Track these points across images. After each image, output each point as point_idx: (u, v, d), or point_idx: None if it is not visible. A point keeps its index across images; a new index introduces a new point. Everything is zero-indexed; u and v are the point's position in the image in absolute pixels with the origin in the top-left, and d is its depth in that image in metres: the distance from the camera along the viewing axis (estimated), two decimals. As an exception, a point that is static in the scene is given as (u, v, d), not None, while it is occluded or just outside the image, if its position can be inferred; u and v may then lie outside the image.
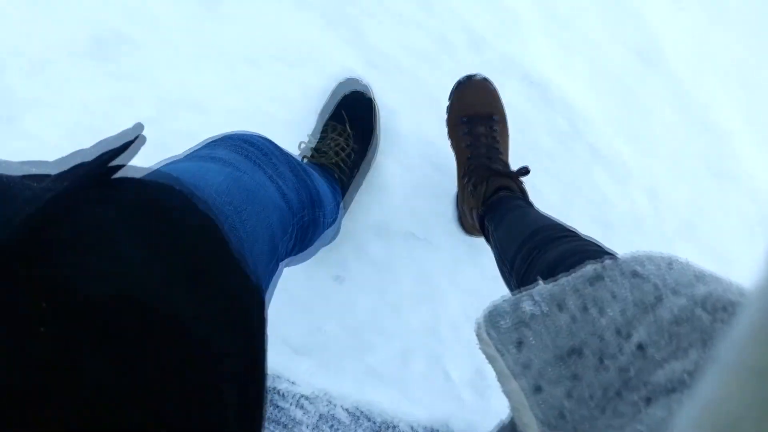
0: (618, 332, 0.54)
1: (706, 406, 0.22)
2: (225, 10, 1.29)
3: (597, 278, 0.58)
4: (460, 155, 1.18)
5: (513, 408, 0.59)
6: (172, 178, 0.55)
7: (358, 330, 1.29)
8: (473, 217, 1.11)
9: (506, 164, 1.12)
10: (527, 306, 0.59)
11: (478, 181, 1.07)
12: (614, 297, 0.56)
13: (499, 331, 0.59)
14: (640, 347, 0.52)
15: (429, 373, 1.29)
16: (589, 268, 0.59)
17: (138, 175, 0.53)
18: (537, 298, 0.59)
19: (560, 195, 1.33)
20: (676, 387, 0.47)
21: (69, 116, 1.28)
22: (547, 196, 1.32)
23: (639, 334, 0.53)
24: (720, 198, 1.38)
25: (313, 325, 1.28)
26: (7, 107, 1.27)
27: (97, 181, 0.46)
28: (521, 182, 1.09)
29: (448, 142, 1.23)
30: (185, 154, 0.77)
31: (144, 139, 0.57)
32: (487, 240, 1.07)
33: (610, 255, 0.65)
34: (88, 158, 0.50)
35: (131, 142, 0.53)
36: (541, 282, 0.61)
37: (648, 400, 0.48)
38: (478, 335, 0.63)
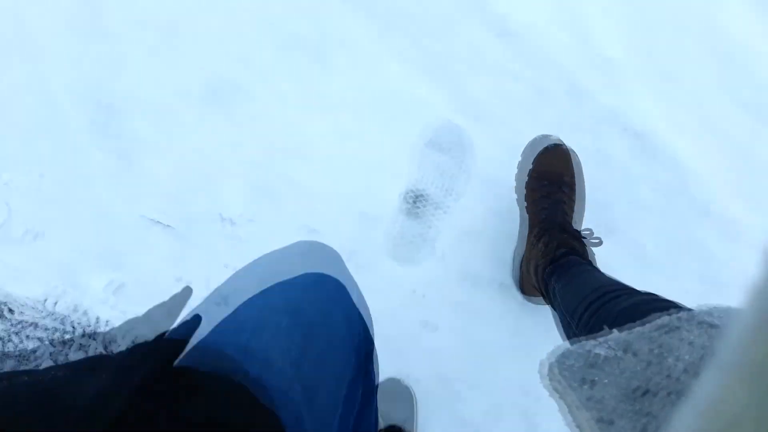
0: (685, 371, 0.55)
1: (706, 406, 0.22)
2: (332, 62, 1.35)
3: (672, 328, 0.59)
4: (534, 215, 1.21)
5: None
6: (238, 365, 0.55)
7: (449, 379, 1.27)
8: (536, 274, 1.12)
9: (577, 231, 1.15)
10: (601, 350, 0.62)
11: (549, 240, 1.10)
12: (691, 345, 0.57)
13: (572, 371, 0.62)
14: None
15: None
16: (664, 319, 0.61)
17: (202, 364, 0.54)
18: (611, 344, 0.62)
19: (665, 252, 1.28)
20: None
21: (182, 159, 1.36)
22: (651, 252, 1.28)
23: None
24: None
25: (402, 372, 1.28)
26: (121, 147, 1.37)
27: (163, 373, 0.49)
28: (583, 243, 1.11)
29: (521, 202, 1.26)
30: (256, 276, 0.76)
31: (190, 291, 0.63)
32: (546, 298, 1.10)
33: (681, 307, 0.67)
34: (143, 331, 0.53)
35: (190, 324, 0.57)
36: (615, 331, 0.63)
37: None
38: (550, 374, 0.65)
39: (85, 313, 1.35)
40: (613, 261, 1.29)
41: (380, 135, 1.34)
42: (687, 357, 0.56)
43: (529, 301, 1.29)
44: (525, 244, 1.24)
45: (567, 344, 0.65)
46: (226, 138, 1.36)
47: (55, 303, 1.36)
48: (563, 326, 0.98)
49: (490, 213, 1.32)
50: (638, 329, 0.61)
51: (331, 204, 1.32)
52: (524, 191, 1.26)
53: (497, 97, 1.34)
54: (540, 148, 1.26)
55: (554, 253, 1.08)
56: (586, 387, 0.60)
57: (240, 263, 1.31)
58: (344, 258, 1.30)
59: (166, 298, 1.32)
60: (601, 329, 0.65)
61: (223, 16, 1.38)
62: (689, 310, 0.62)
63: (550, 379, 0.65)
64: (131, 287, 1.33)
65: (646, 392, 0.55)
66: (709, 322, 0.58)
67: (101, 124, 1.36)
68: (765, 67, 1.32)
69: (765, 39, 1.32)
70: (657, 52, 1.33)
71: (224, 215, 1.32)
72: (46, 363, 1.34)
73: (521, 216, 1.29)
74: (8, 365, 1.35)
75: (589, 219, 1.30)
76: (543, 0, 1.35)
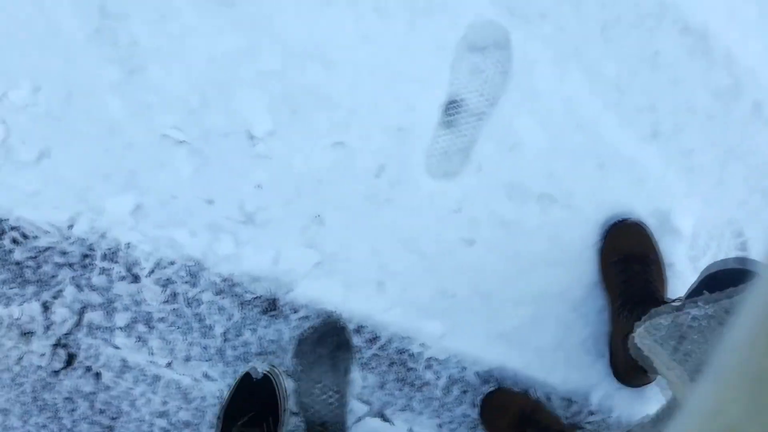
0: None
1: (703, 416, 0.22)
2: (357, -49, 1.19)
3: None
4: (614, 293, 1.16)
5: (674, 392, 0.63)
6: None
7: (490, 295, 1.25)
8: (628, 347, 1.02)
9: (665, 302, 1.06)
10: (690, 309, 0.63)
11: (634, 307, 1.07)
12: None
13: (660, 329, 0.65)
14: None
15: (563, 342, 1.25)
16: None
17: None
18: (701, 303, 0.63)
19: (715, 159, 1.22)
20: None
21: (194, 68, 1.23)
22: (704, 159, 1.22)
23: None
24: None
25: (443, 289, 1.25)
26: (133, 59, 1.23)
27: None
28: None
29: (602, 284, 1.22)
30: None
31: None
32: (648, 376, 1.09)
33: None
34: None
35: None
36: (705, 293, 0.65)
37: None
38: (638, 333, 0.70)
39: (103, 235, 1.28)
40: (657, 167, 1.23)
41: (413, 38, 1.21)
42: None
43: (630, 386, 1.24)
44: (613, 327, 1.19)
45: (668, 308, 0.68)
46: (238, 43, 1.22)
47: (70, 226, 1.28)
48: None
49: (532, 122, 1.23)
50: (732, 290, 0.62)
51: (365, 117, 1.22)
52: (610, 275, 1.20)
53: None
54: (609, 225, 1.21)
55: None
56: (674, 342, 0.61)
57: (271, 182, 1.24)
58: (383, 176, 1.23)
59: (190, 219, 1.25)
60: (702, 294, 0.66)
61: None
62: None
63: (639, 338, 0.69)
64: (151, 208, 1.25)
65: None
66: None
67: (98, 30, 1.21)
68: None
69: None
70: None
71: (253, 132, 1.22)
72: (69, 289, 1.29)
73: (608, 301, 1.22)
74: (29, 291, 1.30)
75: (634, 122, 1.22)
76: None
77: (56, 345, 1.30)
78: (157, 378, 1.29)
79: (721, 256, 1.20)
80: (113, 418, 1.31)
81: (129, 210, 1.23)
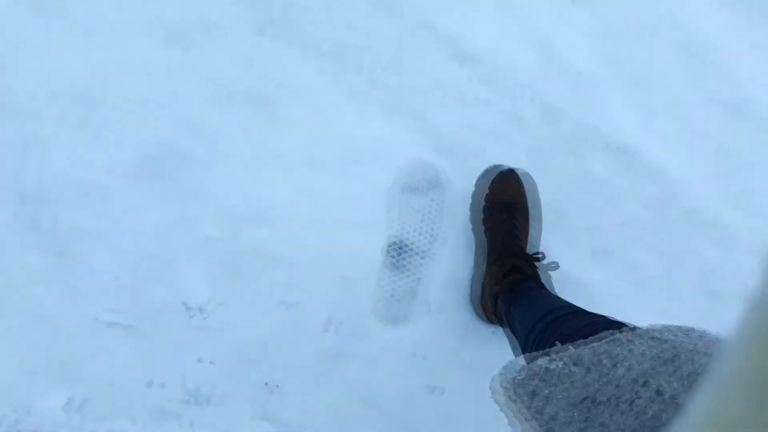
0: (635, 381, 0.57)
1: (705, 414, 0.22)
2: (282, 114, 1.21)
3: (613, 340, 0.62)
4: (488, 243, 1.19)
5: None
6: None
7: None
8: (493, 303, 1.12)
9: (530, 256, 1.15)
10: (543, 362, 0.63)
11: (501, 271, 1.11)
12: (630, 352, 0.59)
13: (514, 383, 0.64)
14: (659, 392, 0.55)
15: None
16: (606, 333, 0.64)
17: None
18: (553, 356, 0.64)
19: (662, 268, 1.22)
20: None
21: (123, 244, 1.19)
22: (649, 270, 1.21)
23: (658, 382, 0.56)
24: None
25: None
26: (57, 242, 1.18)
27: None
28: (535, 266, 1.12)
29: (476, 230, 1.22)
30: None
31: None
32: (501, 322, 1.12)
33: (624, 324, 0.69)
34: None
35: None
36: (569, 347, 0.65)
37: None
38: (492, 388, 0.69)
39: (33, 436, 1.16)
40: (611, 286, 1.22)
41: (347, 186, 1.22)
42: (637, 366, 0.58)
43: (489, 325, 1.21)
44: (480, 270, 1.20)
45: (520, 360, 0.67)
46: (177, 214, 1.19)
47: (5, 433, 1.16)
48: (514, 352, 1.03)
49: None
50: (592, 345, 0.63)
51: (307, 272, 1.18)
52: (478, 220, 1.21)
53: (467, 128, 1.24)
54: (492, 176, 1.21)
55: (509, 281, 1.08)
56: (537, 402, 0.61)
57: (216, 356, 1.16)
58: (331, 329, 1.18)
59: (129, 407, 1.15)
60: (553, 345, 0.67)
61: (150, 76, 1.21)
62: (632, 328, 0.65)
63: (492, 392, 0.69)
64: (85, 400, 1.14)
65: (595, 402, 0.57)
66: (661, 338, 0.60)
67: (29, 219, 1.17)
68: (733, 58, 1.28)
69: (729, 30, 1.28)
70: (625, 58, 1.27)
71: (190, 303, 1.16)
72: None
73: (476, 243, 1.22)
74: None
75: (582, 244, 1.23)
76: (500, 19, 1.26)
77: None
78: None
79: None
80: None
81: (60, 405, 1.13)
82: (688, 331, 0.63)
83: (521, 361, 0.67)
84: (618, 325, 0.70)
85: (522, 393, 0.63)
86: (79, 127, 1.20)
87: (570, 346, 0.65)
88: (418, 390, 1.16)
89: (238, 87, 1.22)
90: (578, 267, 1.21)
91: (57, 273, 1.16)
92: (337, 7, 1.25)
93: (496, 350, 1.18)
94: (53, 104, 1.19)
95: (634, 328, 0.64)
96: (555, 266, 1.12)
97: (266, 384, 1.14)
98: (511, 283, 1.08)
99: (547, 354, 0.65)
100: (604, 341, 0.63)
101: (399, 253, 1.20)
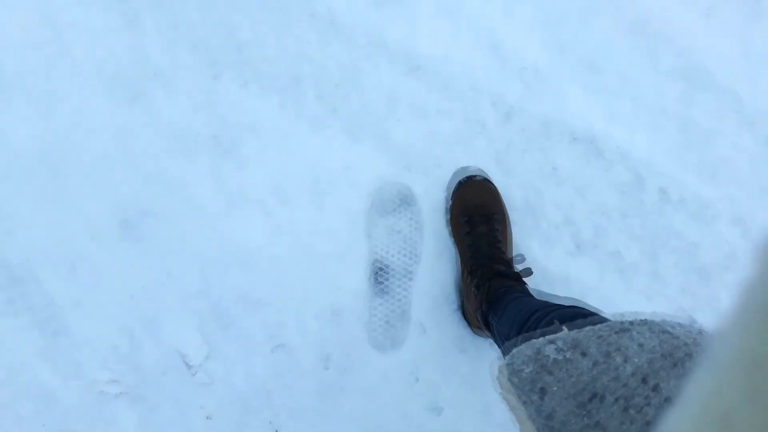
0: (644, 381, 0.55)
1: (700, 398, 0.23)
2: (249, 154, 1.21)
3: (623, 330, 0.60)
4: (464, 253, 1.17)
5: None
6: None
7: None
8: (477, 317, 1.09)
9: (508, 262, 1.13)
10: (550, 351, 0.61)
11: (481, 282, 1.08)
12: (641, 347, 0.57)
13: (521, 378, 0.62)
14: (669, 401, 0.53)
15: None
16: (616, 321, 0.62)
17: None
18: (560, 344, 0.61)
19: (642, 253, 1.23)
20: None
21: (116, 311, 1.20)
22: (629, 257, 1.22)
23: (668, 387, 0.54)
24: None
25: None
26: (50, 320, 1.19)
27: None
28: (523, 281, 1.09)
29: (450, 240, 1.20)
30: None
31: None
32: (493, 336, 1.08)
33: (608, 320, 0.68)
34: None
35: None
36: (564, 328, 0.64)
37: None
38: (499, 381, 0.67)
39: None
40: (597, 278, 1.23)
41: (324, 218, 1.22)
42: (636, 359, 0.57)
43: (479, 335, 1.22)
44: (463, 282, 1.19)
45: (521, 346, 0.65)
46: (153, 273, 1.20)
47: None
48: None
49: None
50: (588, 327, 0.62)
51: (289, 309, 1.20)
52: (450, 232, 1.21)
53: (432, 140, 1.24)
54: (453, 187, 1.20)
55: (487, 291, 1.07)
56: (536, 397, 0.60)
57: (219, 408, 1.18)
58: (322, 366, 1.19)
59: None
60: (553, 323, 0.66)
61: (106, 138, 1.21)
62: (645, 319, 0.63)
63: (500, 387, 0.66)
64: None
65: (593, 396, 0.56)
66: (661, 328, 0.59)
67: (4, 300, 1.18)
68: (679, 28, 1.27)
69: (679, 2, 1.27)
70: (574, 46, 1.26)
71: (181, 362, 1.17)
72: None
73: (456, 254, 1.22)
74: None
75: (564, 240, 1.24)
76: (447, 27, 1.25)
77: None
78: None
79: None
80: None
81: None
82: (701, 331, 0.61)
83: (527, 349, 0.65)
84: (601, 318, 0.69)
85: (531, 392, 0.61)
86: (43, 198, 1.20)
87: (569, 329, 0.64)
88: (422, 412, 1.18)
89: (203, 133, 1.22)
90: (562, 263, 1.22)
91: (56, 350, 1.18)
92: (289, 40, 1.24)
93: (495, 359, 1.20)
94: (10, 176, 1.19)
95: (645, 320, 0.62)
96: (528, 272, 1.10)
97: (276, 431, 1.16)
98: (487, 293, 1.06)
99: (554, 342, 0.63)
100: (603, 327, 0.62)
101: (386, 278, 1.21)
